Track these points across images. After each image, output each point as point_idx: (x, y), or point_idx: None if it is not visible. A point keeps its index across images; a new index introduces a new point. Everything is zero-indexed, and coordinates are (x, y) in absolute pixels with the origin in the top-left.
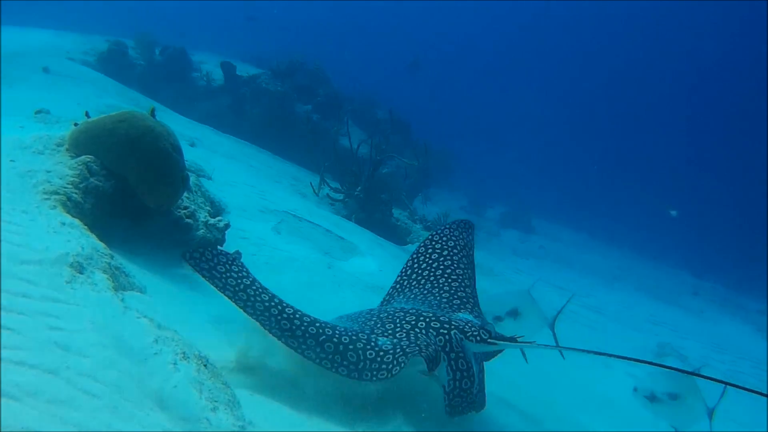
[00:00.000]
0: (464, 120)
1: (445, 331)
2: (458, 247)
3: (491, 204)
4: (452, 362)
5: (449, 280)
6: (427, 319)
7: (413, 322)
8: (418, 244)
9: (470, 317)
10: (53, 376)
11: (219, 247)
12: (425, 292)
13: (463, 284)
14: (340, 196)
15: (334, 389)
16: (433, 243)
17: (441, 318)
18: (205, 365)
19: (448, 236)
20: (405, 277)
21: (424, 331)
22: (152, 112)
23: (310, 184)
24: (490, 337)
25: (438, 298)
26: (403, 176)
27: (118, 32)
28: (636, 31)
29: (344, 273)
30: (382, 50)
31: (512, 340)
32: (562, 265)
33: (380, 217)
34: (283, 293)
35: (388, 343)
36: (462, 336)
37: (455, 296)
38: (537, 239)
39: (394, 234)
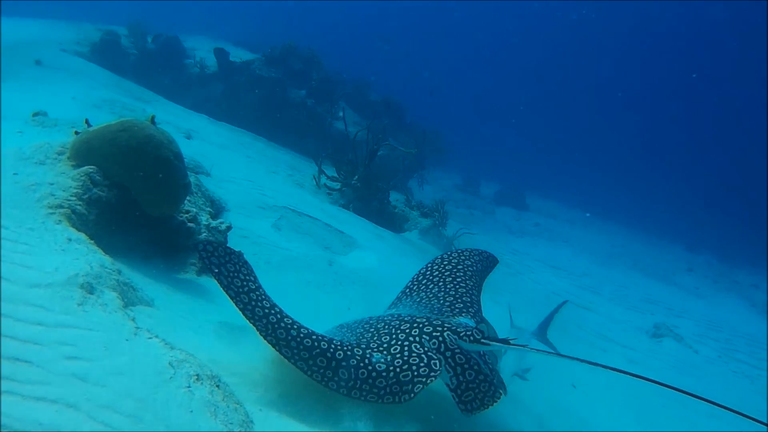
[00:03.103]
0: (456, 100)
1: (438, 333)
2: (473, 268)
3: (485, 182)
4: (449, 359)
5: (456, 286)
6: (420, 325)
7: (407, 330)
8: (416, 231)
9: (469, 321)
10: (74, 410)
11: None
12: (431, 295)
13: (469, 293)
14: (337, 186)
15: (348, 401)
16: (450, 257)
17: (434, 322)
18: (217, 386)
19: (468, 257)
20: (416, 282)
21: (417, 338)
22: (152, 120)
23: (313, 176)
24: (483, 337)
25: (441, 301)
26: (398, 158)
27: (109, 19)
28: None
29: (345, 269)
30: (373, 34)
31: (505, 342)
32: (557, 243)
33: (378, 206)
34: (286, 293)
35: (382, 361)
36: (455, 336)
37: (459, 300)
38: (532, 216)
39: (391, 221)
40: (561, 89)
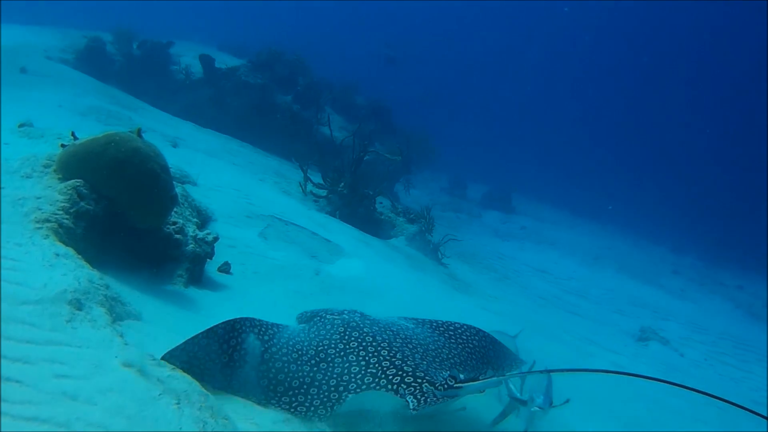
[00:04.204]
0: (444, 102)
1: (417, 384)
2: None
3: (472, 184)
4: (418, 393)
5: (468, 345)
6: (403, 374)
7: (390, 377)
8: (402, 237)
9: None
10: (65, 430)
11: (208, 260)
12: (445, 337)
13: (478, 350)
14: (324, 193)
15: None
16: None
17: (417, 374)
18: (206, 401)
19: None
20: (445, 326)
21: (395, 387)
22: (139, 133)
23: (299, 183)
24: (456, 382)
25: (446, 348)
26: (384, 163)
27: (95, 25)
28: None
29: (332, 278)
30: (362, 38)
31: (475, 379)
32: (544, 246)
33: (364, 212)
34: (274, 303)
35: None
36: (432, 387)
37: (454, 356)
38: (518, 219)
39: (378, 228)
40: (547, 90)
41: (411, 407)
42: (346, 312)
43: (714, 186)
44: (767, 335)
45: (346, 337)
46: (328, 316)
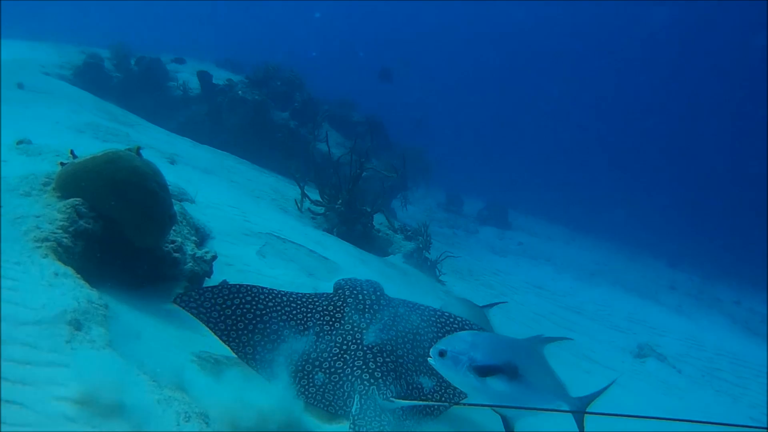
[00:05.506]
0: (439, 117)
1: (368, 385)
2: None
3: (468, 199)
4: (364, 395)
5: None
6: (363, 370)
7: (356, 371)
8: (400, 254)
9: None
10: None
11: (207, 278)
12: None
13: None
14: (321, 210)
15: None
16: None
17: (376, 373)
18: (206, 423)
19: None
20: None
21: (354, 379)
22: (137, 151)
23: (295, 201)
24: (392, 396)
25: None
26: (381, 179)
27: (92, 41)
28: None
29: None
30: (355, 52)
31: (406, 398)
32: (540, 262)
33: (362, 229)
34: None
35: (321, 379)
36: (376, 393)
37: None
38: (515, 235)
39: (375, 245)
40: (543, 105)
41: (353, 411)
42: (365, 290)
43: (710, 201)
44: (765, 351)
45: (345, 318)
46: (347, 292)
